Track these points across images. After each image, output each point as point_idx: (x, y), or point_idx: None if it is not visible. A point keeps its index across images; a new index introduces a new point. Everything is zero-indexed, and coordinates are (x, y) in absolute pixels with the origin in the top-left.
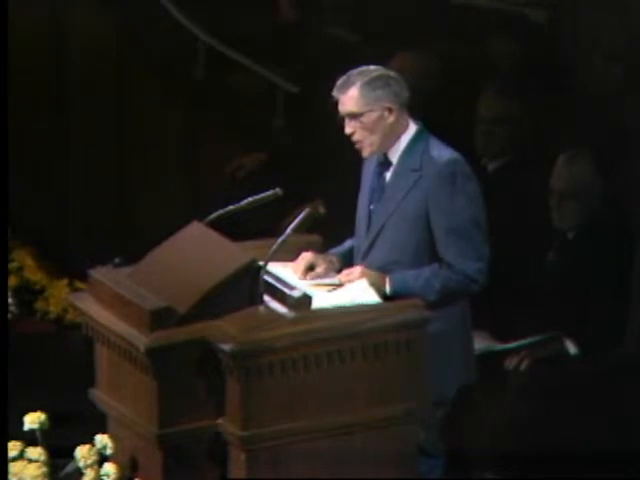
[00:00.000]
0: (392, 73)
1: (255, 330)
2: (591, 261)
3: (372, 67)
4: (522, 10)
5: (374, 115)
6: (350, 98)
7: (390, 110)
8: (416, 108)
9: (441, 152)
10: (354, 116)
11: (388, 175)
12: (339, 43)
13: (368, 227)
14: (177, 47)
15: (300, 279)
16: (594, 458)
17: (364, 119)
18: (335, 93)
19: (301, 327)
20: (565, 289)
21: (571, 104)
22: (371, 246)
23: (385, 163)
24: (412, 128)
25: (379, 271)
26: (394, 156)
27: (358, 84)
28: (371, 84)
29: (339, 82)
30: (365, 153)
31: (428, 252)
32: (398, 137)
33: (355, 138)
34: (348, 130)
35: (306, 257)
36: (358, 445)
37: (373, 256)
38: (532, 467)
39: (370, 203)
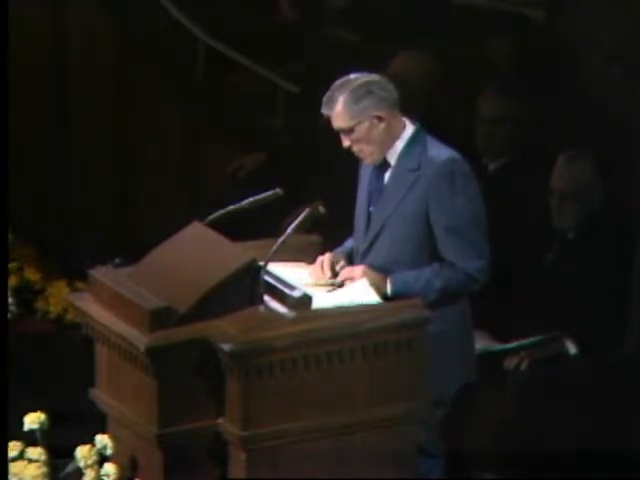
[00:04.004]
0: (375, 78)
1: (255, 330)
2: (591, 261)
3: (352, 76)
4: (522, 10)
5: (364, 127)
6: (337, 115)
7: (379, 117)
8: (417, 108)
9: (439, 151)
10: (346, 131)
11: (387, 176)
12: (339, 43)
13: (367, 228)
14: (177, 47)
15: (329, 280)
16: (594, 458)
17: (356, 133)
18: (323, 111)
19: (301, 327)
20: (565, 289)
21: (571, 104)
22: (370, 247)
23: (383, 164)
24: (409, 128)
25: (379, 271)
26: (392, 157)
27: (341, 99)
28: (353, 96)
29: (324, 99)
30: (368, 162)
31: (428, 252)
32: (395, 139)
33: (354, 150)
34: (345, 144)
35: (327, 258)
36: (358, 445)
37: (372, 257)
38: (532, 467)
39: (369, 204)
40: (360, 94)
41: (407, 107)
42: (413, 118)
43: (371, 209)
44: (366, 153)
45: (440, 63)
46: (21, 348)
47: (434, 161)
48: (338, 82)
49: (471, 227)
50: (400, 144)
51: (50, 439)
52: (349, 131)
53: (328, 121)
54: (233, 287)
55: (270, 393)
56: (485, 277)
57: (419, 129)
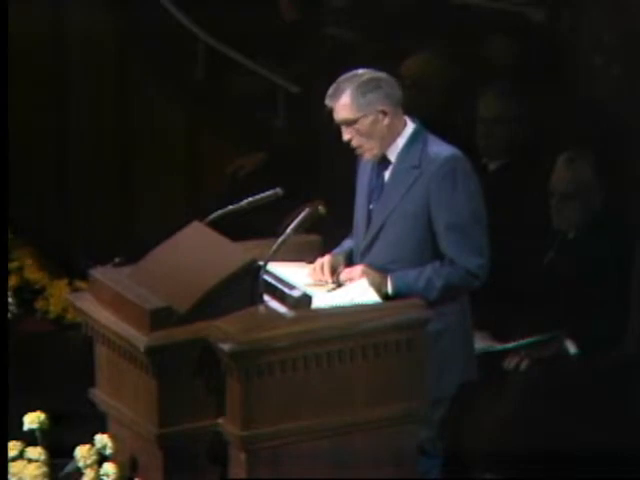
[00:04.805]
0: (382, 74)
1: (255, 330)
2: (591, 261)
3: (361, 71)
4: (522, 10)
5: (368, 120)
6: (342, 106)
7: (384, 112)
8: (428, 109)
9: (440, 149)
10: (349, 123)
11: (387, 174)
12: (339, 43)
13: (367, 226)
14: (177, 47)
15: (329, 282)
16: (594, 458)
17: (359, 125)
18: (327, 102)
19: (301, 327)
20: (565, 289)
21: (571, 104)
22: (371, 245)
23: (383, 162)
24: (410, 126)
25: (380, 270)
26: (392, 155)
27: (348, 91)
28: (361, 89)
29: (330, 90)
30: (367, 157)
31: (429, 249)
32: (396, 136)
33: (354, 144)
34: (346, 137)
35: (327, 261)
36: (358, 445)
37: (373, 255)
38: (532, 467)
39: (369, 202)
40: (369, 87)
41: (416, 107)
42: (413, 117)
43: (371, 207)
44: (366, 148)
45: (447, 65)
46: (21, 348)
47: (435, 158)
48: (345, 75)
49: (472, 224)
50: (401, 141)
51: (50, 439)
52: (352, 123)
53: (329, 120)
54: (233, 287)
55: (270, 393)
56: (485, 274)
57: (420, 127)
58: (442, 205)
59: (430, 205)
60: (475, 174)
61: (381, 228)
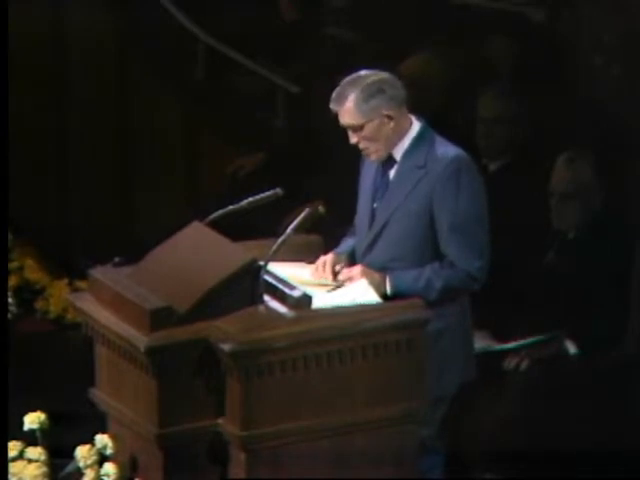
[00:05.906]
0: (385, 76)
1: (255, 330)
2: (591, 261)
3: (363, 73)
4: (522, 10)
5: (374, 124)
6: (346, 111)
7: (389, 116)
8: (430, 109)
9: (446, 149)
10: (354, 129)
11: (392, 173)
12: (339, 43)
13: (371, 224)
14: (177, 47)
15: (329, 280)
16: (594, 458)
17: (364, 131)
18: (332, 106)
19: (301, 327)
20: (565, 289)
21: (571, 104)
22: (373, 244)
23: (389, 161)
24: (416, 126)
25: (382, 268)
26: (398, 154)
27: (352, 97)
28: (364, 94)
29: (334, 95)
30: (373, 159)
31: (429, 249)
32: (402, 136)
33: (360, 147)
34: (352, 140)
35: (329, 259)
36: (358, 445)
37: (375, 253)
38: (532, 467)
39: (373, 201)
40: (371, 92)
41: (416, 107)
42: (418, 116)
43: (375, 205)
44: (372, 150)
45: (446, 65)
46: (21, 348)
47: (441, 159)
48: (349, 78)
49: (474, 226)
50: (407, 141)
51: (50, 439)
52: (358, 129)
53: (329, 120)
54: (233, 287)
55: (270, 393)
56: (484, 276)
57: (426, 126)
58: (446, 206)
59: (434, 205)
60: (480, 175)
61: (384, 226)
